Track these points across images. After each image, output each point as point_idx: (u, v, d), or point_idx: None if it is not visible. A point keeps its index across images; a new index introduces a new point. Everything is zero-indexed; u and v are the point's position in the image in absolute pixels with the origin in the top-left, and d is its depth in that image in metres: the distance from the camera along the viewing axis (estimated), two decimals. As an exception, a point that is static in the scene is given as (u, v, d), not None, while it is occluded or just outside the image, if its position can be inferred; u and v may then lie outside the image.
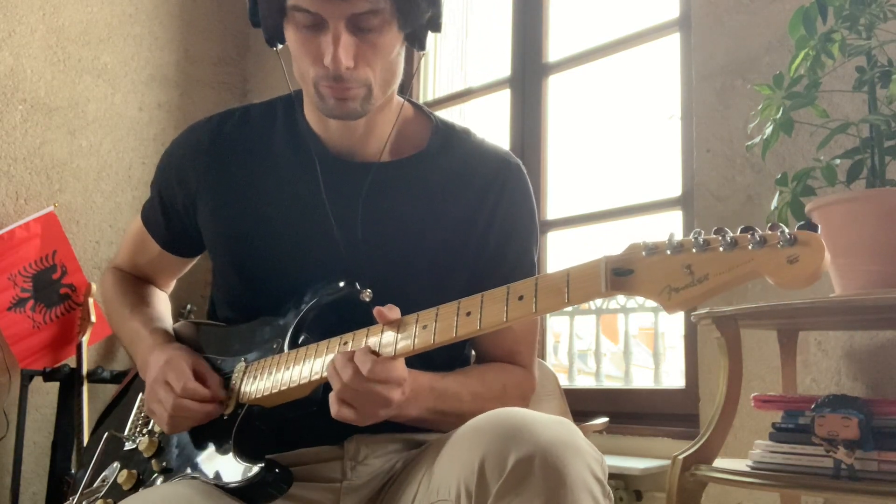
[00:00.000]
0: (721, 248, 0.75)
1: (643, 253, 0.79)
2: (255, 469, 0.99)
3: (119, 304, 1.30)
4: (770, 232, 0.73)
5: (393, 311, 0.97)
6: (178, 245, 1.30)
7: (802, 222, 0.74)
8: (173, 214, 1.25)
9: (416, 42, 1.10)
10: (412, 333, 0.94)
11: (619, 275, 0.80)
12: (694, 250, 0.76)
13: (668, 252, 0.78)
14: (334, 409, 0.95)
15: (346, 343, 1.00)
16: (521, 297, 0.86)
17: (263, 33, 1.11)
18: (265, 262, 1.15)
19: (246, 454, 1.03)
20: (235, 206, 1.17)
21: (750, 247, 0.73)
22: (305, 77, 1.08)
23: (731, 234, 0.75)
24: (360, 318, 1.01)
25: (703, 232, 0.77)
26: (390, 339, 0.95)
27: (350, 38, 1.02)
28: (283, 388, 1.03)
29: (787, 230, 0.72)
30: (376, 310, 0.97)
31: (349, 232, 1.13)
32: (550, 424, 0.89)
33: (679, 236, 0.79)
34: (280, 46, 1.11)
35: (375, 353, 0.94)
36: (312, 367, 1.01)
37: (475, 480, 0.86)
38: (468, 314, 0.90)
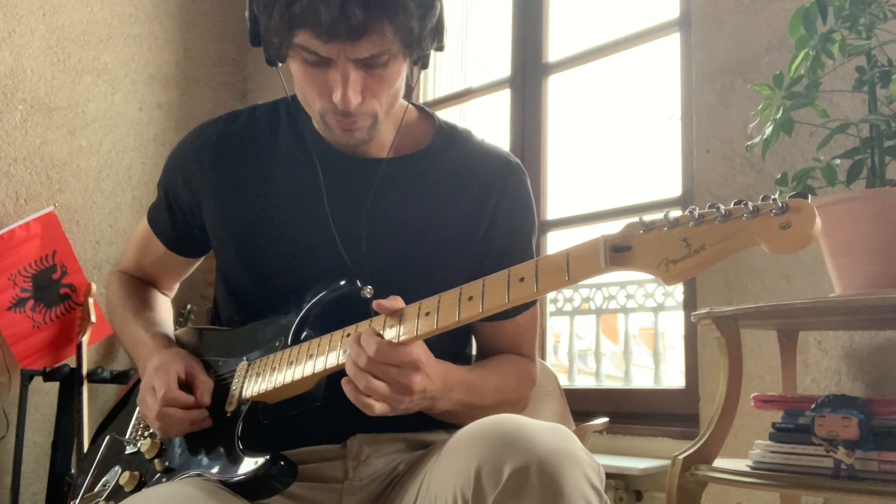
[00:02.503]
0: (716, 221, 0.77)
1: (641, 230, 0.81)
2: (261, 461, 0.99)
3: (122, 309, 1.30)
4: (762, 202, 0.75)
5: (394, 301, 0.97)
6: (182, 245, 1.30)
7: (794, 192, 0.75)
8: (178, 214, 1.26)
9: (419, 63, 1.11)
10: (415, 321, 0.94)
11: (618, 251, 0.81)
12: (690, 224, 0.78)
13: (665, 228, 0.79)
14: (360, 402, 0.94)
15: (348, 335, 1.01)
16: (522, 279, 0.87)
17: (264, 53, 1.09)
18: (270, 260, 1.15)
19: (250, 450, 1.03)
20: (241, 205, 1.17)
21: (744, 217, 0.75)
22: (310, 105, 1.08)
23: (725, 207, 0.77)
24: (362, 316, 1.02)
25: (697, 207, 0.79)
26: (393, 328, 0.96)
27: (357, 74, 1.02)
28: (286, 382, 1.03)
29: (778, 199, 0.74)
30: (376, 303, 0.97)
31: (352, 228, 1.13)
32: (547, 433, 0.88)
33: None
34: (280, 65, 1.10)
35: (379, 335, 0.95)
36: (315, 361, 1.02)
37: (471, 489, 0.86)
38: (470, 299, 0.90)
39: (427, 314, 0.93)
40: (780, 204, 0.73)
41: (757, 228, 0.74)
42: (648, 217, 0.81)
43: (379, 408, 0.95)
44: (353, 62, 1.00)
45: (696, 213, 0.78)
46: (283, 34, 1.01)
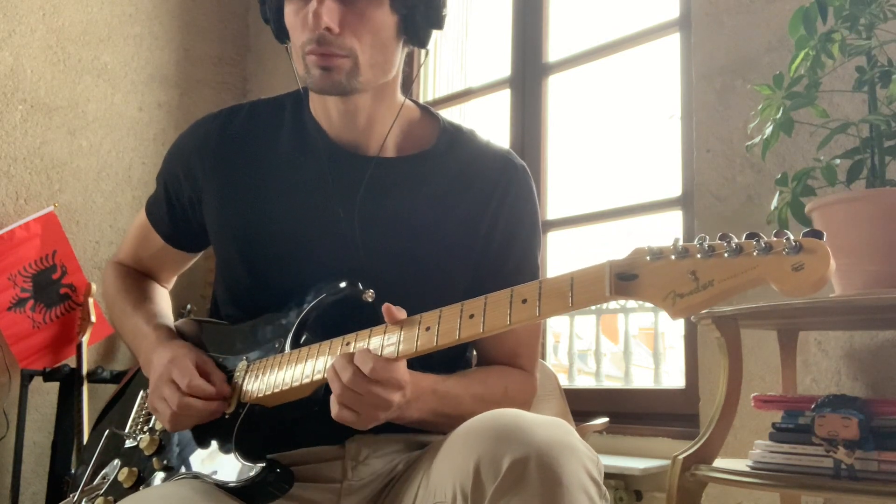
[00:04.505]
0: (726, 255, 0.75)
1: (648, 258, 0.79)
2: (257, 468, 0.99)
3: (121, 300, 1.29)
4: (776, 239, 0.73)
5: (400, 312, 0.97)
6: (181, 239, 1.29)
7: (808, 229, 0.73)
8: (178, 208, 1.25)
9: (415, 38, 1.10)
10: (415, 335, 0.93)
11: (623, 279, 0.80)
12: (699, 256, 0.76)
13: (673, 257, 0.77)
14: (335, 411, 0.95)
15: (348, 343, 1.00)
16: (524, 301, 0.86)
17: (272, 28, 1.13)
18: (270, 257, 1.15)
19: (247, 453, 1.03)
20: (242, 201, 1.17)
21: (755, 253, 0.73)
22: (297, 51, 1.09)
23: (737, 241, 0.75)
24: (363, 318, 1.01)
25: (708, 238, 0.77)
26: (393, 340, 0.95)
27: (335, 3, 1.03)
28: (284, 387, 1.03)
29: (792, 237, 0.72)
30: (385, 306, 0.96)
31: (352, 226, 1.13)
32: (545, 425, 0.88)
33: (681, 238, 0.79)
34: (289, 42, 1.12)
35: (374, 354, 0.94)
36: (314, 367, 1.01)
37: (471, 482, 0.86)
38: (471, 316, 0.90)
39: (427, 329, 0.93)
40: (794, 242, 0.71)
41: (768, 268, 0.72)
42: (656, 244, 0.80)
43: (352, 421, 0.94)
44: None
45: (707, 244, 0.76)
46: None
